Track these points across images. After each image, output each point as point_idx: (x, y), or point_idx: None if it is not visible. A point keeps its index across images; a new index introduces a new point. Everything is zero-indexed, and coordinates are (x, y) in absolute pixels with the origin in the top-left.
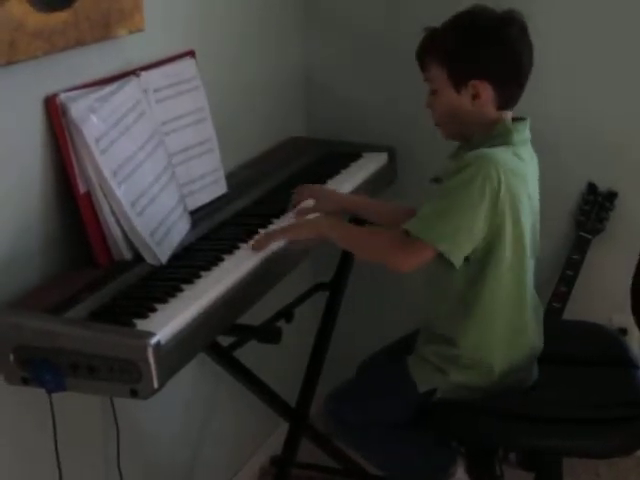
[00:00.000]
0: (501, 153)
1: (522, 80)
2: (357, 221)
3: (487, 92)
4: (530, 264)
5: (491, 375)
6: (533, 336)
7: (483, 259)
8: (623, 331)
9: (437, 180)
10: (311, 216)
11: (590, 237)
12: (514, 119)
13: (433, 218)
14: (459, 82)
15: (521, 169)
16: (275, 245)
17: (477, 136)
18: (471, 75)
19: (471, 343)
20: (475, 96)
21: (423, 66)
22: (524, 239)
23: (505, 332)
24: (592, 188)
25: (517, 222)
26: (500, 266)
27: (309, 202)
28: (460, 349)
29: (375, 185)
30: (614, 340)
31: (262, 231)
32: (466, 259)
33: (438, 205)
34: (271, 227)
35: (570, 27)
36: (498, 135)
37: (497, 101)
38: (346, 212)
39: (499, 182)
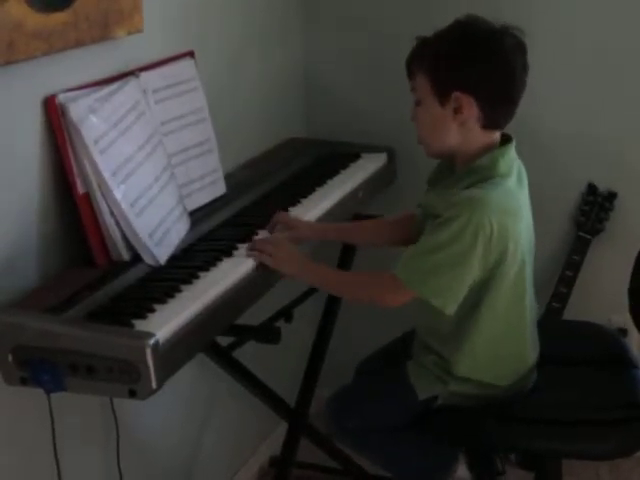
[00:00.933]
0: (490, 193)
1: (511, 100)
2: (347, 246)
3: (470, 108)
4: (529, 285)
5: (490, 389)
6: (531, 350)
7: (478, 294)
8: (623, 331)
9: (420, 207)
10: (297, 254)
11: (590, 237)
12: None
13: (426, 272)
14: (442, 93)
15: (513, 204)
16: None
17: (460, 165)
18: (454, 86)
19: (467, 367)
20: (457, 110)
21: (410, 74)
22: (523, 270)
23: (501, 355)
24: (592, 189)
25: (513, 258)
26: (496, 298)
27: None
28: (457, 369)
29: (374, 185)
30: (614, 340)
31: (256, 237)
32: None
33: (432, 259)
34: (262, 239)
35: (570, 29)
36: (481, 168)
37: (482, 120)
38: (327, 240)
39: (491, 229)
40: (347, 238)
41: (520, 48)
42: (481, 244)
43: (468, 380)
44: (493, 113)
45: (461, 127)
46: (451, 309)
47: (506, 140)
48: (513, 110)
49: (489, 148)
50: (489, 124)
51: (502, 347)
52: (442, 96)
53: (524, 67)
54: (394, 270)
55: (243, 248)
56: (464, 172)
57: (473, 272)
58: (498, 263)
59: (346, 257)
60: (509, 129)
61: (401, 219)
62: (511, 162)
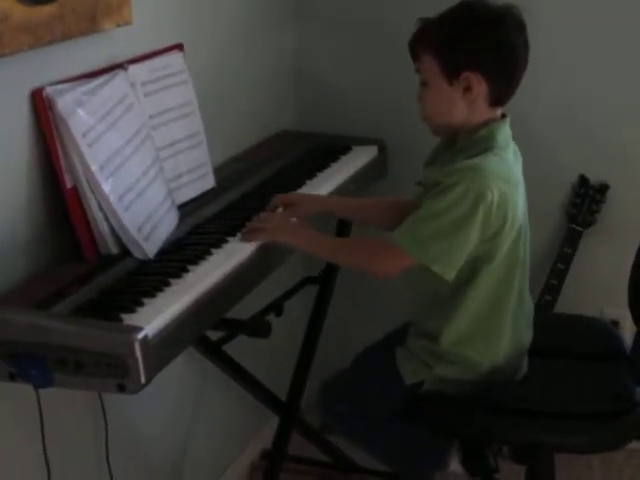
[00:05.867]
0: (490, 163)
1: (516, 76)
2: (343, 223)
3: (480, 85)
4: (523, 264)
5: (475, 371)
6: (519, 332)
7: (474, 265)
8: (615, 324)
9: (420, 184)
10: (292, 223)
11: (581, 230)
12: None
13: (426, 238)
14: (452, 73)
15: (512, 175)
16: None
17: (461, 139)
18: (464, 66)
19: (452, 341)
20: (467, 89)
21: (415, 56)
22: (518, 242)
23: (488, 330)
24: (584, 181)
25: (511, 228)
26: (490, 269)
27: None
28: (442, 346)
29: (365, 178)
30: (606, 333)
31: (248, 224)
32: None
33: (432, 225)
34: (254, 220)
35: (564, 19)
36: (480, 140)
37: (489, 96)
38: (327, 214)
39: (492, 197)
40: (349, 214)
41: (521, 26)
42: (482, 211)
43: (451, 363)
44: (499, 90)
45: (469, 105)
46: (450, 275)
47: (502, 116)
48: (516, 87)
49: (490, 122)
50: (495, 101)
51: (488, 322)
52: (451, 76)
53: (526, 45)
54: (393, 237)
55: (232, 241)
56: (464, 144)
57: (472, 239)
58: (497, 232)
59: (342, 233)
60: None
61: (400, 202)
62: (507, 136)
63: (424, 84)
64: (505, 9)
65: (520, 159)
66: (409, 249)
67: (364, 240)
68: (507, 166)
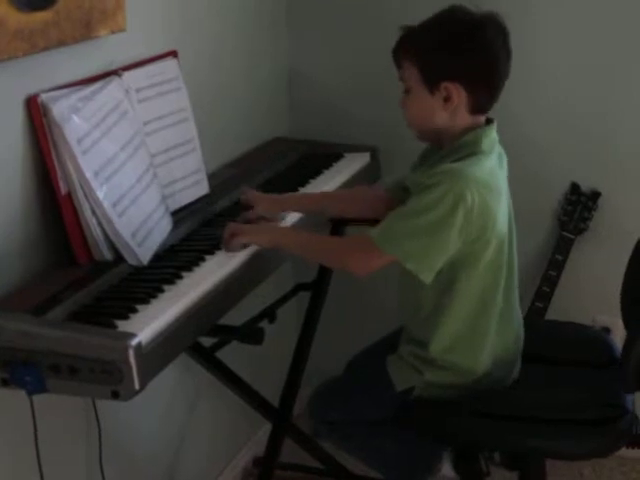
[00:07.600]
0: (473, 168)
1: (496, 85)
2: (337, 222)
3: (460, 95)
4: (509, 269)
5: (465, 377)
6: (508, 338)
7: (456, 270)
8: (606, 331)
9: (406, 190)
10: (268, 224)
11: (573, 237)
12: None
13: (403, 235)
14: (431, 83)
15: (494, 181)
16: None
17: (446, 144)
18: (443, 77)
19: (442, 348)
20: (447, 98)
21: (398, 64)
22: (502, 250)
23: (476, 337)
24: (575, 188)
25: (492, 235)
26: (473, 277)
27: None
28: (432, 353)
29: (358, 185)
30: (597, 340)
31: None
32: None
33: (409, 223)
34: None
35: (555, 27)
36: (466, 145)
37: (470, 105)
38: (289, 211)
39: (472, 201)
40: (311, 208)
41: (502, 35)
42: (461, 215)
43: (441, 369)
44: (480, 99)
45: (450, 113)
46: (426, 276)
47: (488, 121)
48: (498, 95)
49: (474, 128)
50: (476, 109)
51: (475, 328)
52: (432, 86)
53: (508, 53)
54: (368, 232)
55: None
56: (450, 149)
57: (451, 242)
58: (476, 239)
59: (337, 233)
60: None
61: (373, 197)
62: (493, 142)
63: (407, 91)
64: (486, 16)
65: (505, 164)
66: (382, 244)
67: (342, 238)
68: (489, 173)
